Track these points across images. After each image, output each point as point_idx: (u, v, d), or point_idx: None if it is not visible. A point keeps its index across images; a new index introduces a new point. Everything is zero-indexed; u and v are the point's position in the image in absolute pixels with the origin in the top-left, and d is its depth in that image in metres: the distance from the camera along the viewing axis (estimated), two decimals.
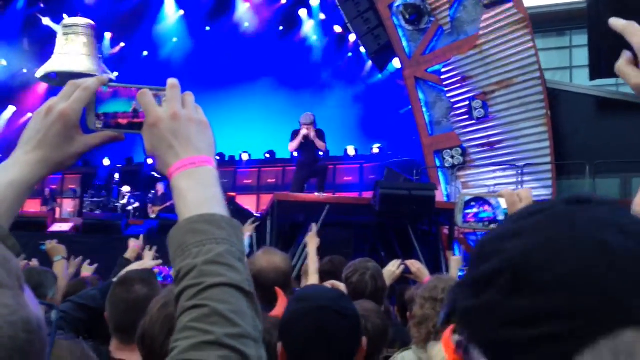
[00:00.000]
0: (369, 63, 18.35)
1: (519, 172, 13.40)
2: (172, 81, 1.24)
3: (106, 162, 20.52)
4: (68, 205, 20.01)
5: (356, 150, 18.84)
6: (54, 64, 16.52)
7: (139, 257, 4.59)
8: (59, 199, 19.50)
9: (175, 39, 21.86)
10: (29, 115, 19.85)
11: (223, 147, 19.09)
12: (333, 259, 4.58)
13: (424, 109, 15.03)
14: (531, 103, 13.61)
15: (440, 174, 14.73)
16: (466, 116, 14.27)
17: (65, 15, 17.72)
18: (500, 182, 13.34)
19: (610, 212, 0.72)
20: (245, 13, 21.19)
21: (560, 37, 19.72)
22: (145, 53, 22.01)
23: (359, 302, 2.88)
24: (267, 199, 13.54)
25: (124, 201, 17.42)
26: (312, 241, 5.22)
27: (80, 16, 17.29)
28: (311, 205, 10.28)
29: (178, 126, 1.19)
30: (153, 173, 17.48)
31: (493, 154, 14.08)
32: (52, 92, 17.68)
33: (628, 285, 0.65)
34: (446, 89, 14.58)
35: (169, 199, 15.90)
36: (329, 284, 3.27)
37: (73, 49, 16.44)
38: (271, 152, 19.86)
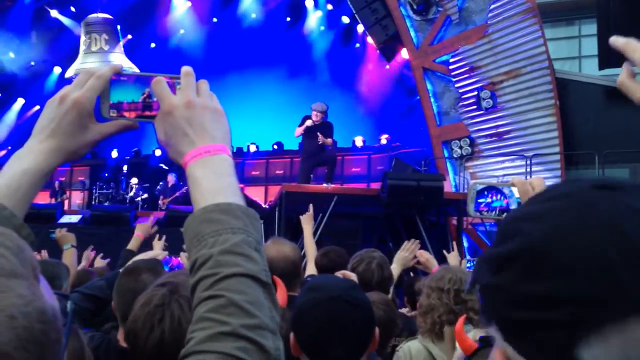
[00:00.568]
0: (377, 54, 18.28)
1: (528, 162, 13.35)
2: (186, 69, 1.22)
3: (114, 154, 20.56)
4: (77, 197, 20.08)
5: (364, 141, 18.79)
6: (82, 63, 16.65)
7: (148, 244, 4.57)
8: (68, 191, 19.55)
9: (182, 31, 21.82)
10: (37, 108, 20.00)
11: (231, 138, 19.05)
12: (328, 253, 4.23)
13: (432, 100, 14.99)
14: (540, 93, 13.55)
15: (448, 164, 14.70)
16: (474, 106, 14.22)
17: (72, 8, 17.78)
18: (509, 172, 13.31)
19: (636, 199, 0.71)
20: (252, 4, 21.13)
21: (569, 27, 19.60)
22: (153, 45, 21.99)
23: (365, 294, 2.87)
24: (275, 190, 13.55)
25: (132, 193, 17.47)
26: (307, 223, 5.16)
27: (99, 12, 17.40)
28: (319, 196, 10.28)
29: (193, 114, 1.17)
30: (161, 165, 17.53)
31: (501, 144, 14.04)
32: (63, 83, 17.73)
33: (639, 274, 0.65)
34: (454, 79, 14.53)
35: (178, 189, 15.96)
36: (340, 273, 3.26)
37: (97, 46, 16.60)
38: (279, 144, 19.82)
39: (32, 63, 21.38)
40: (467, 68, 14.31)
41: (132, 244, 4.43)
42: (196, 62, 19.07)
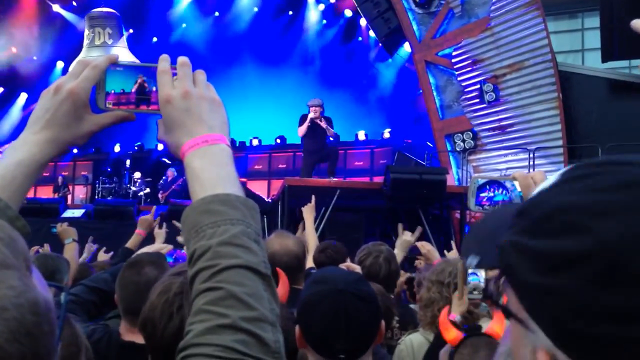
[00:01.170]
0: (379, 47, 18.25)
1: (531, 155, 13.32)
2: (182, 59, 1.20)
3: (117, 148, 20.58)
4: (80, 192, 20.11)
5: (366, 135, 18.78)
6: (85, 57, 16.63)
7: (150, 236, 4.57)
8: (71, 186, 19.59)
9: (184, 25, 21.81)
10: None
11: (233, 132, 18.68)
12: (326, 249, 4.15)
13: (435, 93, 14.95)
14: (543, 86, 13.51)
15: (451, 158, 14.68)
16: (477, 100, 14.18)
17: (73, 2, 17.77)
18: (512, 165, 13.27)
19: None
20: None
21: (572, 20, 19.55)
22: (155, 39, 21.98)
23: None
24: (278, 184, 13.55)
25: (135, 187, 17.50)
26: (309, 214, 5.15)
27: (103, 6, 17.40)
28: (322, 190, 10.27)
29: (189, 104, 1.16)
30: (164, 159, 17.55)
31: (504, 138, 14.00)
32: None
33: None
34: (457, 73, 14.49)
35: (174, 182, 16.02)
36: (344, 266, 3.26)
37: (101, 40, 16.59)
38: (282, 138, 19.81)
39: (35, 58, 21.39)
40: (469, 61, 14.26)
41: (132, 242, 4.41)
42: (198, 56, 19.07)
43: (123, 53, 16.57)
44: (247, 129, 19.24)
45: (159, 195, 16.58)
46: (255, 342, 0.97)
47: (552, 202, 0.68)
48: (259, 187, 16.99)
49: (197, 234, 1.04)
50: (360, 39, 20.52)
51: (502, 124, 13.99)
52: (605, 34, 12.65)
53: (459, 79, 14.50)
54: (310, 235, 4.86)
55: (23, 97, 22.10)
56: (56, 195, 17.15)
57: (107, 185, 18.19)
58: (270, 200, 13.00)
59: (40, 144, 1.16)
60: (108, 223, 12.05)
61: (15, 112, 22.00)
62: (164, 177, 16.99)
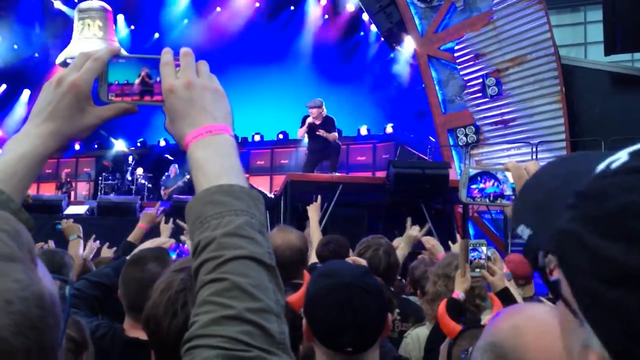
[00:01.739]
0: (381, 42, 18.23)
1: (534, 149, 13.31)
2: (185, 49, 1.20)
3: (120, 144, 20.59)
4: (83, 189, 20.13)
5: (369, 130, 18.76)
6: (73, 50, 16.55)
7: (154, 231, 4.57)
8: (74, 182, 19.60)
9: (186, 21, 21.79)
10: None
11: (235, 128, 18.91)
12: (329, 243, 4.13)
13: (437, 87, 14.94)
14: (545, 80, 13.49)
15: (454, 152, 14.68)
16: (480, 94, 14.17)
17: None
18: (515, 160, 13.15)
19: None
20: None
21: (574, 13, 19.48)
22: (157, 35, 21.97)
23: None
24: (280, 180, 13.54)
25: (138, 183, 17.51)
26: (314, 212, 5.19)
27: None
28: (324, 185, 10.26)
29: (193, 95, 1.15)
30: (167, 155, 17.55)
31: (507, 132, 13.99)
32: None
33: None
34: (459, 67, 14.48)
35: (179, 179, 16.03)
36: (350, 259, 3.25)
37: (90, 33, 16.49)
38: (284, 133, 19.80)
39: (36, 55, 21.39)
40: (472, 55, 14.24)
41: (133, 236, 4.41)
42: (200, 52, 18.96)
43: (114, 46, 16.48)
44: (249, 124, 19.23)
45: (162, 192, 16.59)
46: (260, 333, 0.96)
47: (622, 200, 0.57)
48: (261, 183, 16.98)
49: (201, 225, 1.04)
50: (362, 33, 20.48)
51: (504, 118, 13.98)
52: (608, 27, 12.61)
53: (461, 73, 14.48)
54: (315, 233, 4.87)
55: (26, 94, 22.11)
56: (59, 192, 17.18)
57: (110, 182, 18.20)
58: (273, 196, 12.99)
59: (43, 137, 1.15)
60: (111, 219, 12.05)
61: (19, 109, 22.02)
62: (166, 173, 16.99)
